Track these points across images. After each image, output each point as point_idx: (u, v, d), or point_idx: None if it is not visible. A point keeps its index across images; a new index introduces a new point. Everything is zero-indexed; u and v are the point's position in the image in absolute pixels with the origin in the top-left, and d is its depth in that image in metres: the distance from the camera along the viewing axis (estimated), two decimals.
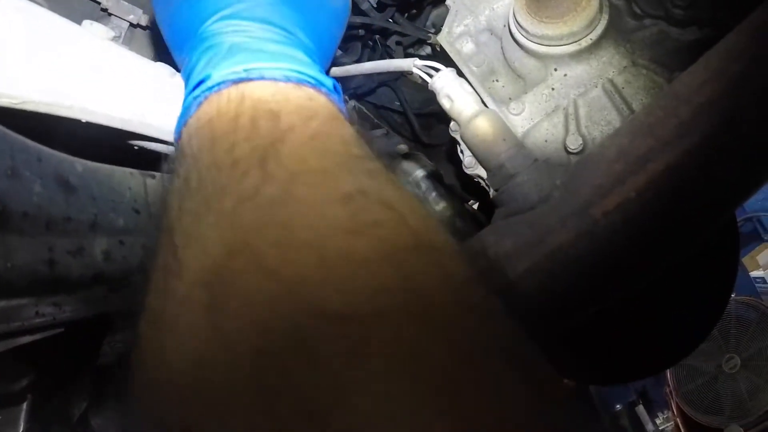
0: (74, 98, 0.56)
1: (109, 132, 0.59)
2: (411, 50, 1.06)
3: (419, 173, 0.84)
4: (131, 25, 0.84)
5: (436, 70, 0.65)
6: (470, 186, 0.81)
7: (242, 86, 0.38)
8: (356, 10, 0.93)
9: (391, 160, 0.90)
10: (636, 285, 0.51)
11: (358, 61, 0.99)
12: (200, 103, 0.38)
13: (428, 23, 1.08)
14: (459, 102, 0.62)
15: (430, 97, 1.05)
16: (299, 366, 0.23)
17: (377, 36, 1.00)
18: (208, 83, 0.39)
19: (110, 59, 0.61)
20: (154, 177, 0.54)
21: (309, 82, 0.40)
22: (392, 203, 0.30)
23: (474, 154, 0.62)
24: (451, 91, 0.63)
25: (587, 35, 0.66)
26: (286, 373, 0.23)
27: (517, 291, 0.46)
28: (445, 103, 0.64)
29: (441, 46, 0.88)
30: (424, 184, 0.81)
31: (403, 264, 0.27)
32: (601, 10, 0.67)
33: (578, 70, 0.68)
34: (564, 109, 0.66)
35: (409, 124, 1.00)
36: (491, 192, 0.64)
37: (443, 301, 0.27)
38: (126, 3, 0.83)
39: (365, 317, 0.24)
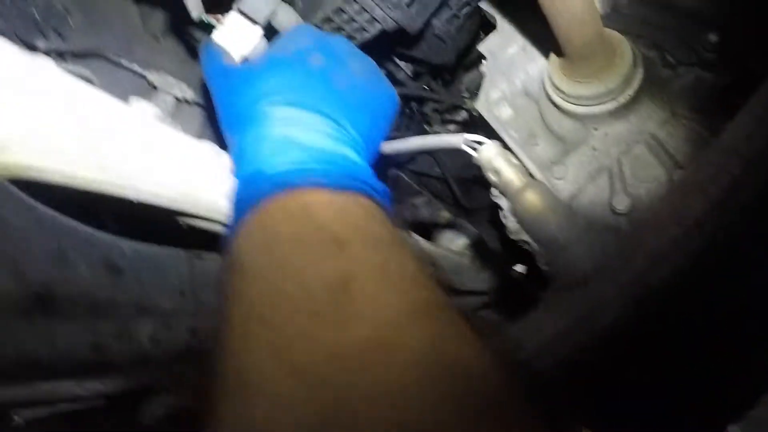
0: (124, 176, 0.58)
1: (157, 210, 0.61)
2: (447, 115, 1.07)
3: (463, 242, 0.82)
4: (177, 99, 0.88)
5: (480, 143, 0.64)
6: (514, 248, 0.80)
7: (302, 196, 0.39)
8: (392, 80, 0.96)
9: (435, 229, 0.89)
10: (690, 352, 0.49)
11: (397, 129, 1.02)
12: (257, 205, 0.39)
13: (462, 87, 1.10)
14: (505, 176, 0.61)
15: (469, 161, 1.06)
16: None
17: (414, 103, 1.02)
18: (264, 183, 0.40)
19: (158, 137, 0.63)
20: (201, 258, 0.55)
21: (364, 191, 0.41)
22: (465, 358, 0.30)
23: (524, 227, 0.61)
24: (497, 165, 0.62)
25: (624, 91, 0.66)
26: None
27: (572, 367, 0.44)
28: (492, 178, 0.63)
29: (477, 111, 0.89)
30: (469, 253, 0.80)
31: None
32: (635, 64, 0.66)
33: (618, 128, 0.66)
34: (608, 168, 0.65)
35: (450, 190, 1.00)
36: (541, 262, 0.62)
37: None
38: (172, 78, 0.87)
39: None
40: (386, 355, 0.29)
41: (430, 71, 0.98)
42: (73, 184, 0.52)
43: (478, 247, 0.82)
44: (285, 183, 0.39)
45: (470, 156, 0.66)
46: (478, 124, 0.85)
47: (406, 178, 1.05)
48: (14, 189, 0.39)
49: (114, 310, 0.43)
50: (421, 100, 1.02)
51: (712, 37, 0.62)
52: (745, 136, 0.41)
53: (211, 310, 0.53)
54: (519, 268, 0.86)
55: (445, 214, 0.91)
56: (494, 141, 0.64)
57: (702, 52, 0.64)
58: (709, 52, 0.63)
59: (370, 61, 0.61)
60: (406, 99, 1.00)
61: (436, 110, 1.01)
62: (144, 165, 0.59)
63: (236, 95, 0.53)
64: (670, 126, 0.64)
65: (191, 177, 0.63)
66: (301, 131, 0.47)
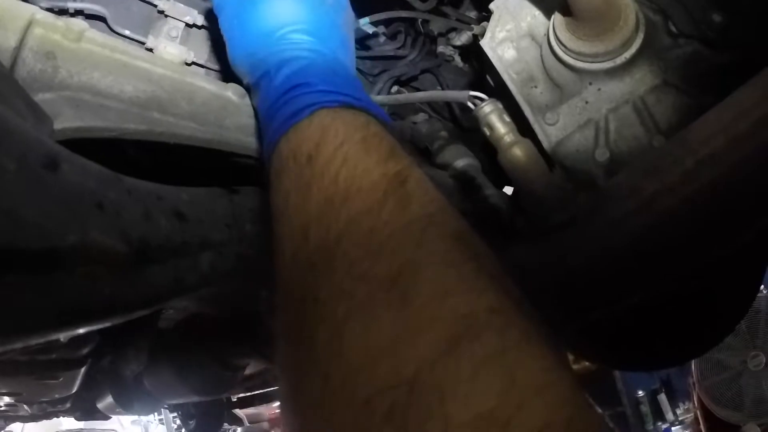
0: (161, 124, 0.65)
1: (194, 152, 0.68)
2: (452, 34, 1.11)
3: (460, 162, 0.91)
4: (187, 25, 0.90)
5: (482, 99, 0.72)
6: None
7: (315, 116, 0.46)
8: (401, 2, 0.99)
9: (432, 147, 0.98)
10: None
11: (403, 46, 1.06)
12: (300, 118, 0.46)
13: (469, 12, 1.12)
14: (497, 132, 0.70)
15: (471, 81, 1.11)
16: None
17: (420, 24, 1.06)
18: (307, 99, 0.48)
19: (187, 81, 0.69)
20: (237, 192, 0.64)
21: (356, 105, 0.48)
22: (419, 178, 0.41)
23: (510, 178, 0.71)
24: (491, 121, 0.70)
25: (622, 54, 0.72)
26: None
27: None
28: (486, 131, 0.71)
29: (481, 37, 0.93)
30: (467, 173, 0.89)
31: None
32: (637, 28, 0.72)
33: (612, 86, 0.74)
34: (596, 122, 0.73)
35: (449, 109, 1.07)
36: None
37: None
38: (181, 5, 0.88)
39: None
40: (433, 227, 0.38)
41: None
42: (122, 137, 0.60)
43: (475, 170, 0.91)
44: (306, 110, 0.47)
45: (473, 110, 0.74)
46: (480, 50, 0.90)
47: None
48: (107, 170, 0.47)
49: (186, 248, 0.54)
50: (427, 21, 1.05)
51: (716, 17, 0.67)
52: (705, 137, 0.50)
53: (252, 236, 0.64)
54: (507, 190, 0.97)
55: (443, 134, 0.99)
56: (493, 99, 0.71)
57: (705, 29, 0.68)
58: (711, 30, 0.68)
59: None
60: (413, 20, 1.03)
61: (441, 34, 1.05)
62: (179, 112, 0.66)
63: (252, 20, 0.57)
64: (659, 92, 0.70)
65: (221, 118, 0.70)
66: (320, 62, 0.54)
